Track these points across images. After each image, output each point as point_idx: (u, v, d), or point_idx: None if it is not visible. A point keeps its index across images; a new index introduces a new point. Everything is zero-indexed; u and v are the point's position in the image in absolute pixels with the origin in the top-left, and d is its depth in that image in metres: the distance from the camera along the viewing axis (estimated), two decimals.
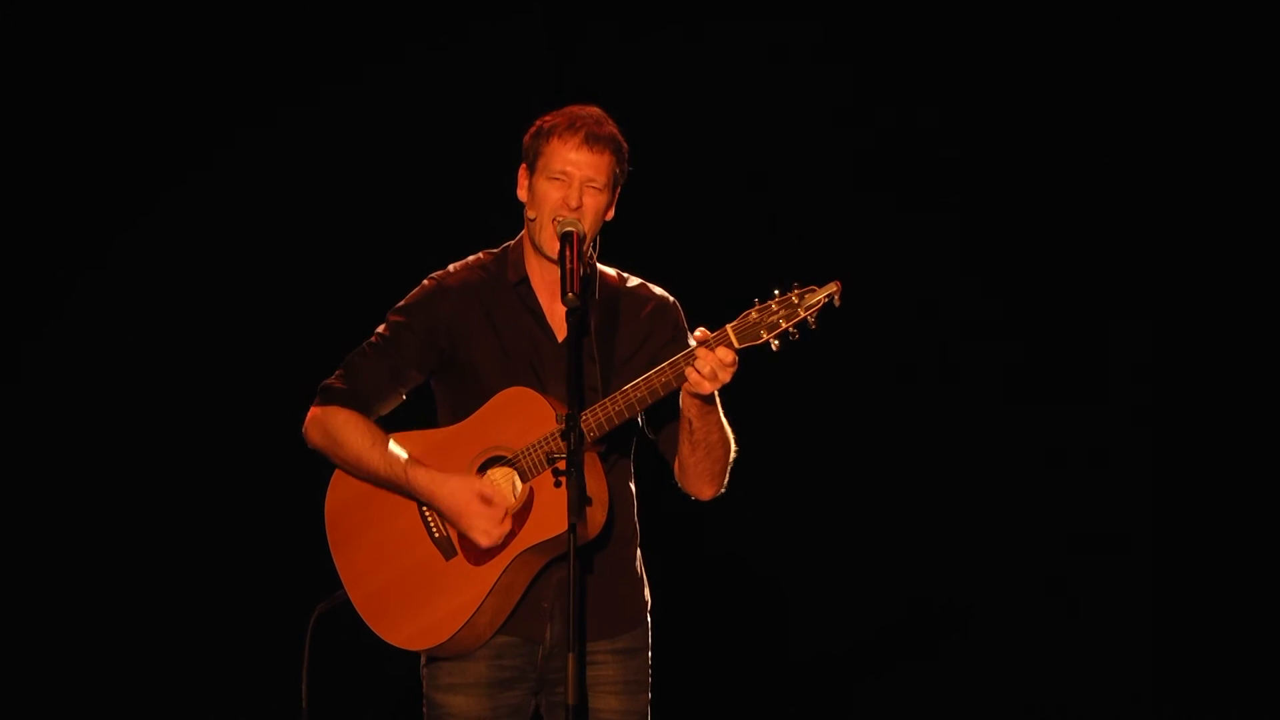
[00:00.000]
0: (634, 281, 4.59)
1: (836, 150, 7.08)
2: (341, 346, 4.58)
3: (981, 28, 7.02)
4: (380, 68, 7.01)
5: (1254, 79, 6.93)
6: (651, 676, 4.55)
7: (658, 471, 4.60)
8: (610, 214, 4.47)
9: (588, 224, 4.40)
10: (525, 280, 4.52)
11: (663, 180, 6.20)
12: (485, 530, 4.32)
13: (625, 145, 4.48)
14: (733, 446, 4.44)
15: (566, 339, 4.34)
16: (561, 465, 4.24)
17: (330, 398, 4.49)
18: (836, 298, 4.20)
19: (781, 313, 4.20)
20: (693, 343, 4.24)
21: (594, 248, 4.49)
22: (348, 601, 4.47)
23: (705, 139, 7.04)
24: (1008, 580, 7.07)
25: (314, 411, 4.50)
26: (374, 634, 4.43)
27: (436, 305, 4.51)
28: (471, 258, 4.60)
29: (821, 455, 7.08)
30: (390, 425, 4.50)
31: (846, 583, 7.09)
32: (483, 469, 4.39)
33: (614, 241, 4.59)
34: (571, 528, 4.11)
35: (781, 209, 7.05)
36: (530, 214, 4.46)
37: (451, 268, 4.59)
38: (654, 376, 4.27)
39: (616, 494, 4.44)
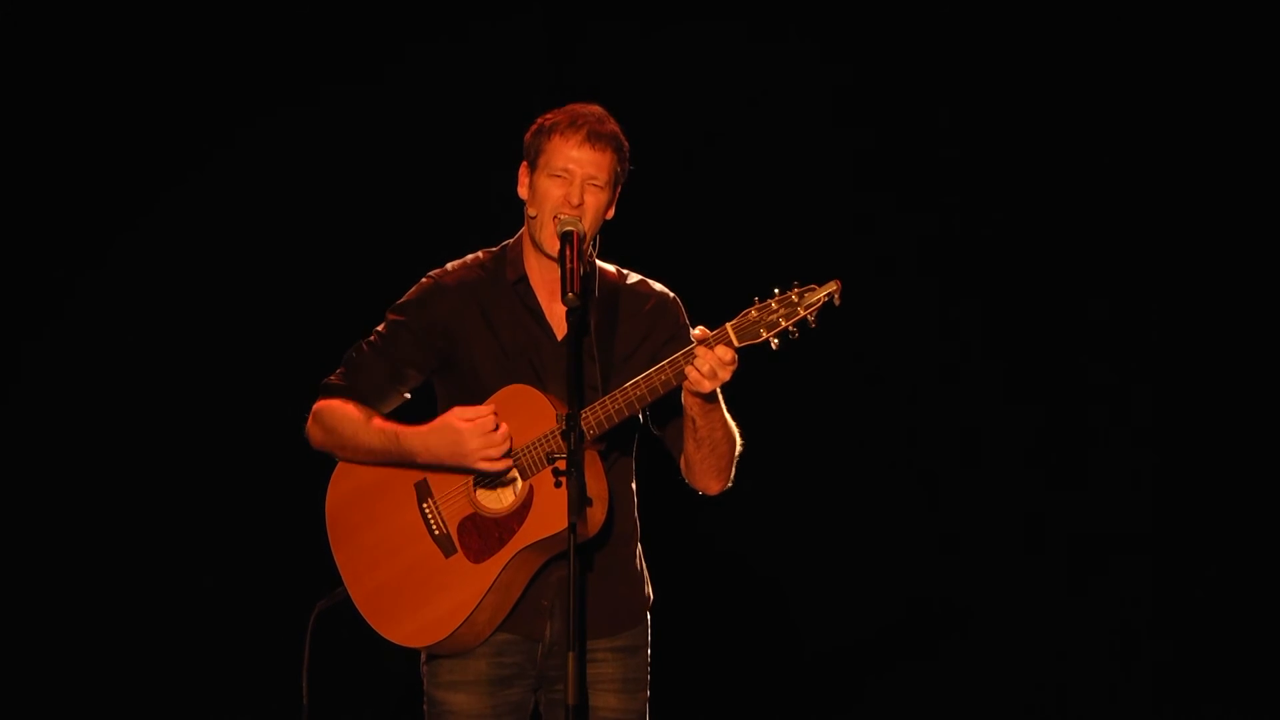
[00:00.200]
0: (634, 278, 4.59)
1: (836, 150, 7.08)
2: (341, 346, 4.59)
3: (983, 28, 7.02)
4: (380, 67, 7.01)
5: (1254, 79, 6.93)
6: (651, 674, 4.55)
7: (658, 470, 4.60)
8: (611, 212, 4.47)
9: (589, 222, 4.40)
10: (524, 279, 4.52)
11: (663, 179, 6.20)
12: (485, 445, 4.28)
13: (626, 143, 4.48)
14: (738, 441, 4.44)
15: (566, 337, 4.35)
16: (561, 464, 4.24)
17: (329, 394, 4.51)
18: (836, 296, 4.20)
19: (781, 311, 4.20)
20: (693, 341, 4.25)
21: (594, 246, 4.49)
22: (348, 599, 4.47)
23: (705, 138, 7.04)
24: (1008, 580, 7.07)
25: (314, 410, 4.52)
26: (374, 631, 4.44)
27: (434, 304, 4.52)
28: (470, 256, 4.60)
29: (821, 454, 7.08)
30: None
31: (847, 581, 7.08)
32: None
33: (614, 241, 4.59)
34: (571, 526, 4.11)
35: (781, 209, 7.05)
36: (531, 212, 4.46)
37: (450, 266, 4.59)
38: (653, 375, 4.27)
39: (617, 492, 4.44)
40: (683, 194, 6.93)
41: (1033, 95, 7.03)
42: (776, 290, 4.21)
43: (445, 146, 7.00)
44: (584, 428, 4.25)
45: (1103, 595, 7.05)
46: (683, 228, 6.91)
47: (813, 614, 7.13)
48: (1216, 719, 6.98)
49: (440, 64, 7.01)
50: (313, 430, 4.51)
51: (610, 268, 4.59)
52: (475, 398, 4.42)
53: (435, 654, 4.46)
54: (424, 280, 4.57)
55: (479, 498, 4.40)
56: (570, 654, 4.11)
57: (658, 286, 4.59)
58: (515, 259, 4.53)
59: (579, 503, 4.15)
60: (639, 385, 4.28)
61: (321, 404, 4.50)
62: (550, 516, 4.29)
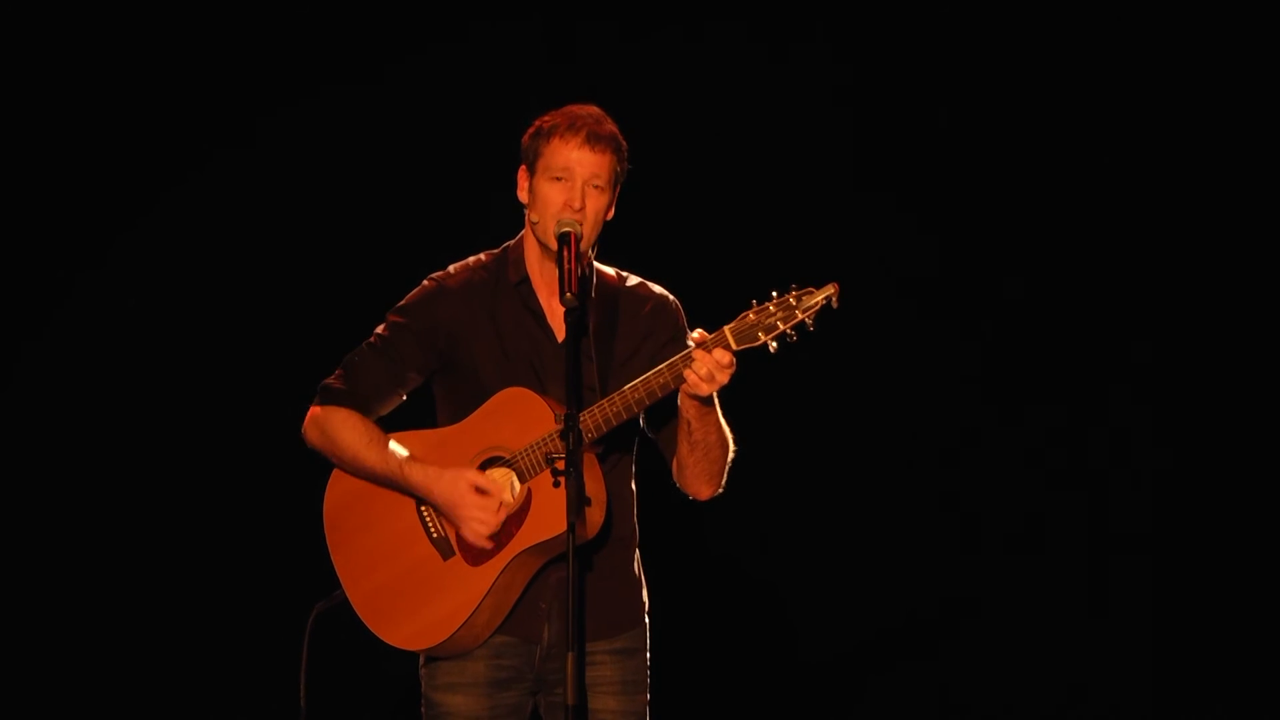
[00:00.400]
0: (633, 280, 4.58)
1: (836, 151, 7.07)
2: (341, 346, 4.58)
3: (983, 27, 7.01)
4: (380, 68, 7.00)
5: (1254, 79, 6.93)
6: (650, 677, 4.55)
7: (657, 472, 4.60)
8: (610, 213, 4.47)
9: (589, 224, 4.39)
10: (526, 280, 4.52)
11: (662, 180, 6.20)
12: (481, 520, 4.31)
13: (625, 144, 4.47)
14: (731, 447, 4.44)
15: (565, 339, 4.34)
16: (560, 465, 4.24)
17: (329, 398, 4.50)
18: (835, 299, 4.18)
19: (779, 314, 4.19)
20: (690, 344, 4.24)
21: (593, 247, 4.48)
22: (346, 601, 4.47)
23: (704, 139, 7.03)
24: (1008, 580, 7.06)
25: (313, 411, 4.51)
26: (372, 634, 4.44)
27: (436, 306, 4.51)
28: (471, 259, 4.59)
29: (820, 456, 7.08)
30: (390, 425, 4.51)
31: (846, 583, 7.08)
32: (481, 469, 4.39)
33: (614, 241, 4.58)
34: (570, 528, 4.10)
35: (781, 209, 7.05)
36: (533, 216, 4.44)
37: (451, 268, 4.58)
38: (652, 378, 4.26)
39: (615, 495, 4.44)
40: (681, 195, 6.92)
41: (1032, 95, 7.02)
42: (774, 293, 4.20)
43: (444, 146, 7.00)
44: (583, 430, 4.25)
45: (1103, 595, 7.05)
46: (681, 229, 6.90)
47: (812, 615, 7.13)
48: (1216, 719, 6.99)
49: (439, 65, 7.01)
50: (310, 432, 4.51)
51: (610, 270, 4.58)
52: (475, 399, 4.42)
53: (434, 656, 4.45)
54: (426, 283, 4.56)
55: None
56: (570, 654, 4.10)
57: (657, 289, 4.59)
58: (517, 260, 4.52)
59: (577, 503, 4.14)
60: (637, 388, 4.27)
61: (322, 410, 4.49)
62: (549, 519, 4.29)
